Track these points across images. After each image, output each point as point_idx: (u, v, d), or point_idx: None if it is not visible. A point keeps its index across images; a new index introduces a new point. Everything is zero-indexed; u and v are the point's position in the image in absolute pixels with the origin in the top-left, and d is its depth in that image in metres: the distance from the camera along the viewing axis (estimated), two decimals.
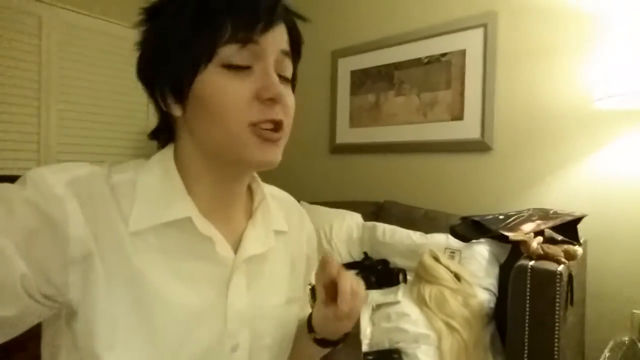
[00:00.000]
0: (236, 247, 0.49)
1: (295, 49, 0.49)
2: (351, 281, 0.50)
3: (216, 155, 0.46)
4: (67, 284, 0.39)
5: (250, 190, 0.55)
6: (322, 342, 0.55)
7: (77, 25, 2.27)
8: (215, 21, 0.42)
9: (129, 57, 0.52)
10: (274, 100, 0.43)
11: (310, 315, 0.57)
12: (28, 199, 0.38)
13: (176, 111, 0.45)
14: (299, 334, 0.57)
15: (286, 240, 0.57)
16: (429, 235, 1.71)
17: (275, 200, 0.57)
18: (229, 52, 0.42)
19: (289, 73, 0.48)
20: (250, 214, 0.54)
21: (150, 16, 0.45)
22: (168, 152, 0.48)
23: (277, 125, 0.44)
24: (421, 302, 1.34)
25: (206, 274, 0.46)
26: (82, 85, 2.30)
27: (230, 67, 0.42)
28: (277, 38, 0.45)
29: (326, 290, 0.51)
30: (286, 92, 0.46)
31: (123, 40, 2.34)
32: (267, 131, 0.44)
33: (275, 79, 0.43)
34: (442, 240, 1.65)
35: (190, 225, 0.45)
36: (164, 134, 0.50)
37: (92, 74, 2.34)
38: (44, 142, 2.17)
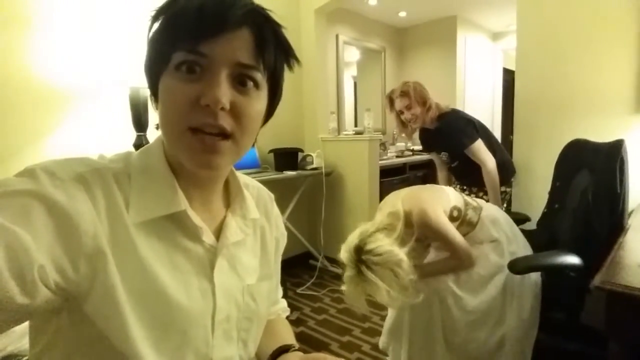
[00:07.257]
0: (217, 235, 0.55)
1: (269, 52, 0.48)
2: None
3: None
4: (80, 276, 0.40)
5: (227, 180, 0.60)
6: None
7: None
8: (170, 28, 0.45)
9: None
10: (209, 107, 0.44)
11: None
12: (42, 194, 0.39)
13: (156, 107, 0.49)
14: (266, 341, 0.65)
15: (257, 225, 0.63)
16: None
17: (248, 190, 0.62)
18: (180, 56, 0.44)
19: (258, 79, 0.48)
20: (227, 203, 0.59)
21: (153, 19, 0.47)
22: (158, 144, 0.52)
23: (218, 132, 0.45)
24: None
25: (196, 259, 0.51)
26: None
27: (179, 70, 0.45)
28: (232, 46, 0.45)
29: None
30: (244, 101, 0.47)
31: None
32: (206, 135, 0.45)
33: (218, 86, 0.44)
34: None
35: (183, 217, 0.49)
36: None
37: None
38: None
